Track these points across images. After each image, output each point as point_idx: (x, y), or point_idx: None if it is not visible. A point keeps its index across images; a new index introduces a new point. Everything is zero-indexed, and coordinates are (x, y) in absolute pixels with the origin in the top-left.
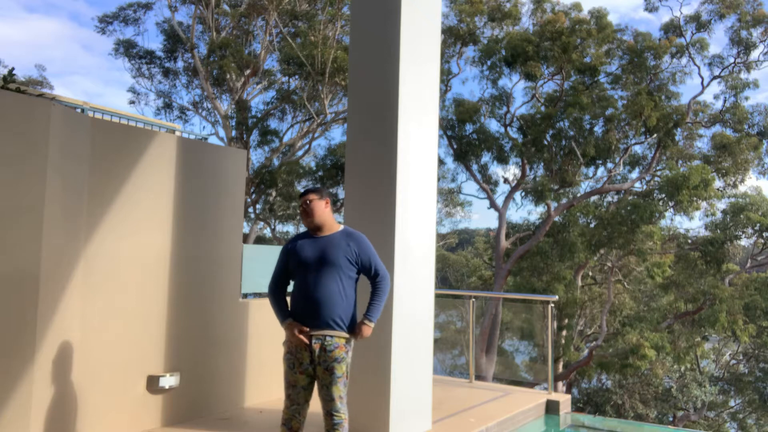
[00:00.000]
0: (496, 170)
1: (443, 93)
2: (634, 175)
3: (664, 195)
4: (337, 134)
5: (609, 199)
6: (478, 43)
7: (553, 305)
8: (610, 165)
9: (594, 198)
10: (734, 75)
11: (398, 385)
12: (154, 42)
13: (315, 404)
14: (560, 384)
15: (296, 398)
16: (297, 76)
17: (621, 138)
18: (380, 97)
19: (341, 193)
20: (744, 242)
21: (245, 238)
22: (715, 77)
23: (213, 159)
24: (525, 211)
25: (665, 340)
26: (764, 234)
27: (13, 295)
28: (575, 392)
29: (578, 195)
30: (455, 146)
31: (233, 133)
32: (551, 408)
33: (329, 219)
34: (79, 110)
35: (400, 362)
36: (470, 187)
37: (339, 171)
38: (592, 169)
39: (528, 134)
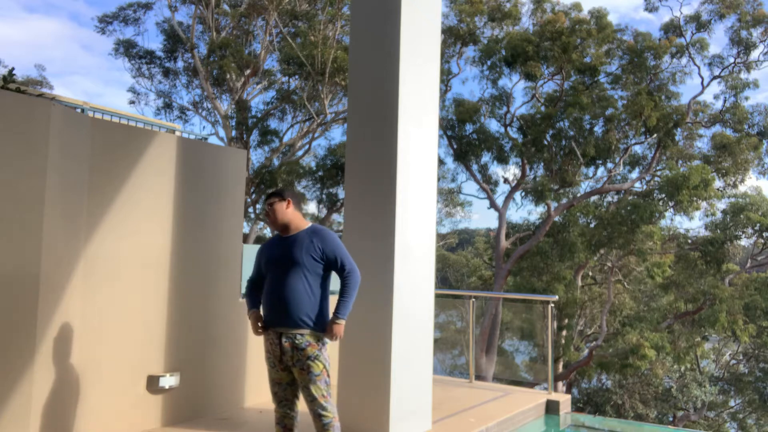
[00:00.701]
0: (496, 170)
1: (443, 93)
2: (634, 175)
3: (664, 195)
4: (337, 134)
5: (609, 199)
6: (478, 43)
7: (553, 305)
8: (610, 165)
9: (594, 198)
10: (734, 75)
11: (398, 385)
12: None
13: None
14: (560, 384)
15: (283, 395)
16: (297, 76)
17: (621, 138)
18: (380, 97)
19: (341, 193)
20: (744, 242)
21: (245, 238)
22: (715, 77)
23: (213, 159)
24: (525, 211)
25: (665, 340)
26: (764, 234)
27: (13, 295)
28: (575, 392)
29: (578, 195)
30: (455, 146)
31: (233, 133)
32: (551, 408)
33: (294, 218)
34: (79, 110)
35: (400, 362)
36: (470, 187)
37: (339, 171)
38: (592, 169)
39: (528, 134)
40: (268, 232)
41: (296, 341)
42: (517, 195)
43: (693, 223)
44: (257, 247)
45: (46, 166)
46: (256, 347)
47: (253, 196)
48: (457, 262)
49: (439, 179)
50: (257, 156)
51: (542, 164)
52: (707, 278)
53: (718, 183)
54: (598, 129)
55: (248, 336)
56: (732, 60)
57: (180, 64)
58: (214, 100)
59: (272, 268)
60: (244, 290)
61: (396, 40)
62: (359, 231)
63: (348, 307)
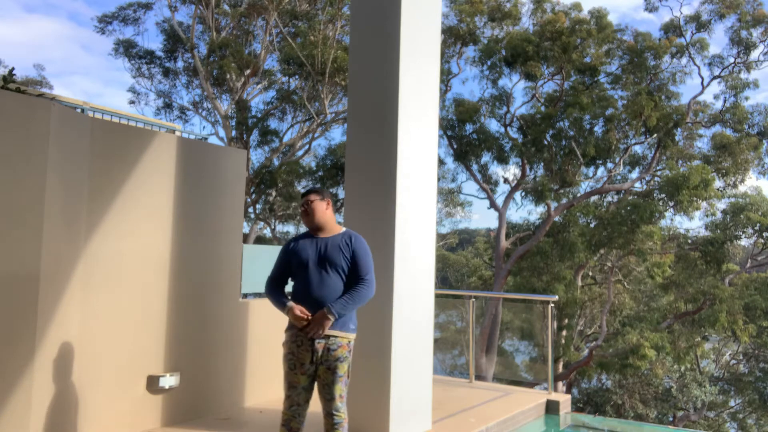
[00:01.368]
0: (496, 170)
1: (443, 93)
2: (634, 175)
3: (664, 195)
4: (337, 134)
5: (609, 199)
6: (478, 43)
7: (553, 305)
8: (610, 165)
9: (594, 198)
10: (734, 75)
11: (398, 386)
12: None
13: (315, 404)
14: (560, 384)
15: (296, 399)
16: (297, 76)
17: (621, 138)
18: (380, 97)
19: (341, 193)
20: (744, 242)
21: (245, 238)
22: (715, 77)
23: (213, 159)
24: (525, 211)
25: (665, 340)
26: (764, 234)
27: (13, 295)
28: (575, 392)
29: (578, 195)
30: (455, 146)
31: (233, 133)
32: (551, 408)
33: (330, 220)
34: (79, 110)
35: (401, 362)
36: (470, 187)
37: (339, 171)
38: (592, 169)
39: (528, 134)
40: (268, 232)
41: (329, 342)
42: (517, 195)
43: (693, 223)
44: (257, 247)
45: (46, 166)
46: (256, 347)
47: (253, 196)
48: (457, 262)
49: (439, 179)
50: (257, 156)
51: (542, 164)
52: (707, 278)
53: (718, 183)
54: (598, 129)
55: (248, 336)
56: (732, 60)
57: (180, 64)
58: (214, 100)
59: (307, 268)
60: (248, 290)
61: (396, 40)
62: (359, 231)
63: (346, 309)
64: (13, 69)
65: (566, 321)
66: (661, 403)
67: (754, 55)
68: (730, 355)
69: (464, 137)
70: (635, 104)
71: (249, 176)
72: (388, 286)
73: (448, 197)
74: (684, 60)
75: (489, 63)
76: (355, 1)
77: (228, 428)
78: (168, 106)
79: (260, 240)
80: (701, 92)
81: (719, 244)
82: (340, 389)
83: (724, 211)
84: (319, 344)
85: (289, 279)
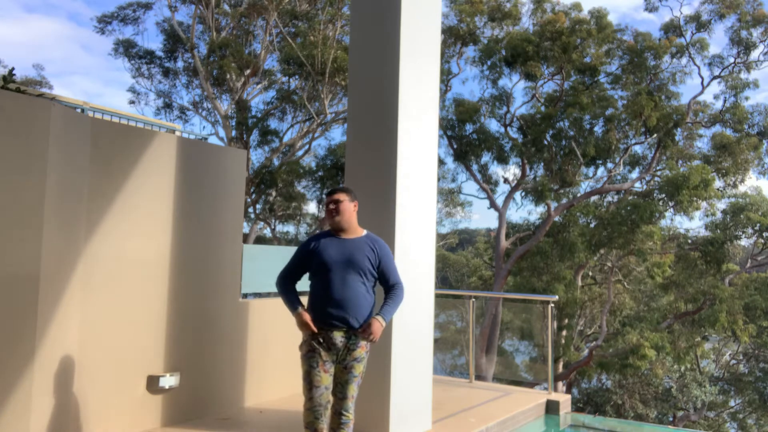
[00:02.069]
0: (496, 170)
1: (443, 93)
2: (634, 175)
3: (664, 195)
4: (337, 134)
5: (609, 199)
6: (478, 43)
7: (553, 305)
8: (610, 165)
9: (594, 198)
10: (734, 75)
11: (398, 386)
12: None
13: None
14: (560, 384)
15: (319, 399)
16: (297, 76)
17: (621, 138)
18: (380, 97)
19: None
20: (744, 242)
21: (245, 238)
22: (715, 77)
23: (213, 159)
24: (525, 211)
25: (665, 340)
26: (764, 234)
27: (13, 295)
28: (575, 392)
29: (578, 195)
30: (455, 146)
31: (233, 133)
32: (551, 408)
33: (354, 222)
34: (79, 110)
35: (401, 362)
36: (470, 187)
37: (339, 171)
38: (592, 169)
39: (528, 134)
40: (268, 232)
41: (350, 343)
42: (517, 195)
43: (693, 223)
44: (257, 247)
45: (46, 166)
46: (256, 347)
47: (253, 196)
48: (457, 262)
49: (439, 179)
50: (257, 156)
51: (542, 164)
52: (707, 278)
53: (718, 183)
54: (598, 129)
55: (248, 336)
56: (732, 60)
57: (180, 64)
58: (214, 100)
59: (330, 269)
60: (248, 290)
61: (396, 40)
62: None
63: (391, 313)
64: (13, 69)
65: (566, 321)
66: (661, 403)
67: (754, 55)
68: (730, 355)
69: (464, 137)
70: (635, 104)
71: (249, 176)
72: None
73: (448, 197)
74: (684, 60)
75: (489, 63)
76: (355, 1)
77: (228, 428)
78: (168, 106)
79: (260, 240)
80: (701, 92)
81: (719, 244)
82: (353, 389)
83: (724, 211)
84: (341, 343)
85: (304, 277)
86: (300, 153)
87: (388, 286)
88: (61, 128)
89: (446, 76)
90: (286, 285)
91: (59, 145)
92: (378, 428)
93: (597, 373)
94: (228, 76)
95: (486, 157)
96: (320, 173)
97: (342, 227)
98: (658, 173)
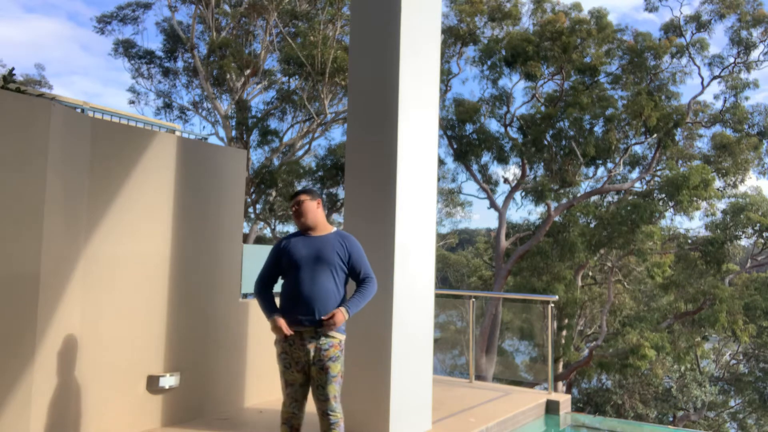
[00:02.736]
0: (496, 170)
1: (443, 93)
2: (634, 175)
3: (664, 195)
4: (337, 134)
5: (609, 199)
6: (478, 43)
7: (553, 305)
8: (610, 165)
9: (594, 198)
10: (734, 75)
11: (398, 385)
12: (153, 42)
13: (311, 404)
14: (560, 384)
15: (294, 395)
16: (297, 76)
17: (621, 138)
18: (380, 97)
19: (341, 193)
20: (744, 242)
21: (245, 238)
22: (715, 77)
23: (213, 159)
24: (525, 211)
25: (665, 340)
26: (764, 234)
27: (13, 295)
28: (575, 392)
29: (578, 195)
30: (455, 146)
31: (233, 133)
32: (551, 408)
33: (321, 220)
34: (79, 110)
35: (400, 362)
36: (470, 187)
37: (339, 171)
38: (592, 169)
39: (528, 134)
40: (268, 232)
41: (320, 342)
42: (517, 195)
43: (693, 223)
44: (257, 247)
45: (46, 166)
46: (256, 347)
47: (253, 196)
48: (457, 262)
49: (439, 179)
50: (257, 156)
51: (542, 164)
52: (707, 278)
53: (718, 183)
54: (598, 129)
55: (248, 336)
56: (732, 60)
57: (180, 64)
58: (214, 100)
59: (299, 267)
60: (248, 290)
61: (396, 40)
62: (359, 231)
63: (359, 305)
64: (13, 69)
65: (566, 321)
66: (661, 403)
67: (754, 55)
68: (730, 355)
69: (464, 137)
70: (635, 104)
71: (249, 176)
72: (388, 286)
73: (448, 197)
74: (684, 60)
75: (489, 63)
76: (355, 1)
77: (228, 428)
78: (168, 106)
79: (260, 240)
80: (701, 92)
81: (719, 244)
82: (334, 389)
83: (724, 211)
84: (311, 344)
85: (279, 278)
86: (300, 153)
87: (359, 279)
88: (61, 128)
89: (446, 76)
90: (262, 290)
91: (59, 145)
92: (378, 428)
93: (597, 373)
94: (228, 76)
95: (486, 157)
96: (320, 173)
97: (308, 226)
98: (658, 173)
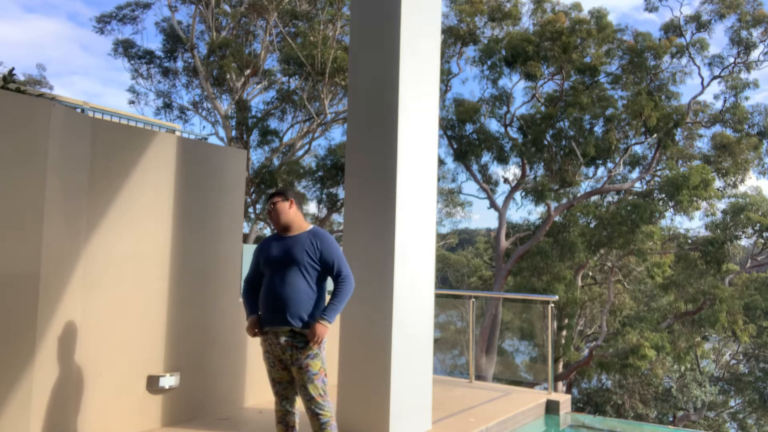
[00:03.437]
0: (496, 170)
1: (443, 93)
2: (634, 175)
3: (664, 195)
4: (337, 134)
5: (609, 199)
6: (478, 43)
7: (553, 305)
8: (610, 165)
9: (594, 198)
10: (734, 75)
11: (398, 385)
12: (153, 41)
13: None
14: (560, 384)
15: (284, 393)
16: (297, 76)
17: (621, 138)
18: (380, 97)
19: (341, 193)
20: (744, 242)
21: (245, 238)
22: (715, 77)
23: (213, 159)
24: (525, 211)
25: (665, 340)
26: (764, 234)
27: (13, 295)
28: (575, 392)
29: (578, 195)
30: (455, 146)
31: (233, 133)
32: (551, 408)
33: (296, 219)
34: (79, 110)
35: (400, 362)
36: (470, 187)
37: (339, 171)
38: (592, 169)
39: (528, 134)
40: (268, 232)
41: (295, 341)
42: (517, 195)
43: (693, 223)
44: (257, 247)
45: (46, 166)
46: (256, 347)
47: (253, 196)
48: (458, 262)
49: (439, 179)
50: (257, 156)
51: (542, 164)
52: (707, 278)
53: (718, 183)
54: (598, 129)
55: (248, 336)
56: (732, 60)
57: (180, 64)
58: (214, 100)
59: (272, 267)
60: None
61: (396, 40)
62: (359, 231)
63: (336, 311)
64: (13, 69)
65: (566, 321)
66: (661, 403)
67: (754, 55)
68: (730, 355)
69: (464, 137)
70: (635, 104)
71: (249, 176)
72: (387, 286)
73: (448, 197)
74: (684, 60)
75: (489, 63)
76: (355, 1)
77: (228, 428)
78: (168, 106)
79: (260, 240)
80: (701, 92)
81: (719, 244)
82: (317, 388)
83: (724, 211)
84: (285, 342)
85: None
86: (300, 153)
87: (333, 277)
88: (62, 128)
89: (446, 76)
90: (247, 290)
91: (59, 145)
92: (378, 428)
93: (597, 373)
94: (228, 76)
95: (486, 157)
96: (320, 173)
97: (282, 226)
98: (658, 173)
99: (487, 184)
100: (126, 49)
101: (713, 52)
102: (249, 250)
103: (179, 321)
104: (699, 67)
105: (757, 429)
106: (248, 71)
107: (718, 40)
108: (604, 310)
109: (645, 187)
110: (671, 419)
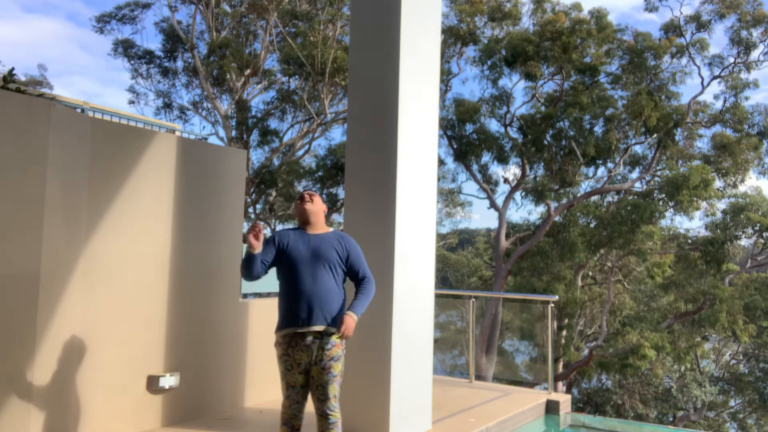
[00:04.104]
0: (496, 170)
1: (443, 93)
2: (634, 175)
3: (664, 195)
4: (337, 134)
5: (609, 199)
6: (478, 43)
7: (553, 305)
8: (610, 165)
9: (594, 198)
10: (734, 75)
11: (398, 385)
12: (152, 41)
13: (310, 403)
14: (560, 384)
15: (296, 397)
16: (297, 76)
17: (621, 138)
18: (380, 97)
19: (341, 193)
20: (744, 242)
21: (245, 238)
22: (715, 77)
23: (213, 159)
24: (525, 211)
25: (665, 340)
26: (764, 234)
27: (13, 295)
28: (575, 392)
29: (578, 195)
30: (455, 146)
31: (233, 133)
32: (551, 408)
33: (322, 219)
34: (79, 110)
35: (400, 362)
36: (470, 187)
37: (339, 171)
38: (592, 169)
39: (528, 134)
40: (268, 232)
41: (323, 342)
42: (517, 195)
43: (693, 223)
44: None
45: (46, 166)
46: (256, 347)
47: (253, 196)
48: (458, 262)
49: (439, 179)
50: (257, 156)
51: (542, 164)
52: (707, 278)
53: (718, 183)
54: (598, 129)
55: (248, 336)
56: (732, 60)
57: (179, 64)
58: (214, 100)
59: (299, 264)
60: (248, 290)
61: (396, 40)
62: (359, 231)
63: (363, 307)
64: (13, 69)
65: (566, 321)
66: (661, 403)
67: (754, 55)
68: (730, 355)
69: (464, 137)
70: (635, 104)
71: (249, 176)
72: (387, 286)
73: (448, 197)
74: (684, 60)
75: (489, 63)
76: (355, 1)
77: (228, 428)
78: (168, 106)
79: None
80: (701, 92)
81: (719, 244)
82: (335, 389)
83: (724, 211)
84: (314, 344)
85: (266, 268)
86: (300, 153)
87: (357, 280)
88: (61, 128)
89: (446, 76)
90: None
91: (59, 144)
92: (378, 428)
93: (597, 373)
94: (228, 76)
95: (486, 157)
96: (320, 173)
97: (310, 219)
98: (658, 173)
99: (487, 184)
100: (126, 49)
101: (713, 52)
102: None
103: (179, 321)
104: (699, 67)
105: (757, 429)
106: (248, 71)
107: (718, 40)
108: (604, 310)
109: (645, 187)
110: (671, 419)
